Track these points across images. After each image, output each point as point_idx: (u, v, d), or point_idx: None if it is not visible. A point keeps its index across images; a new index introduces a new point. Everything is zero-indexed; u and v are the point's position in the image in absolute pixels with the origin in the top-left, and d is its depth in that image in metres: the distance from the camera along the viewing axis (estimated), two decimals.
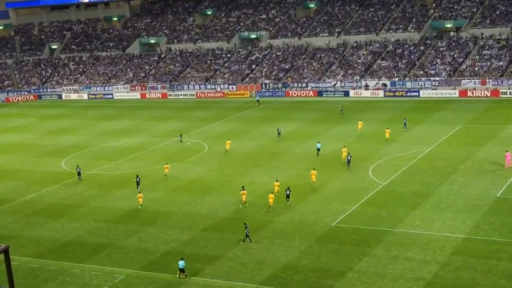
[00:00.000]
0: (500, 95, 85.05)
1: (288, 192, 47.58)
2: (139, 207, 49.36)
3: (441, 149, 60.30)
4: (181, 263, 36.35)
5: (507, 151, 53.01)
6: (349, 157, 55.72)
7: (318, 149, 60.69)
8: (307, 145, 65.46)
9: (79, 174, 58.56)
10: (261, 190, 51.56)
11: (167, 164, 58.30)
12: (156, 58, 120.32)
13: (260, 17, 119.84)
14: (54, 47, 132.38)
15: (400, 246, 38.29)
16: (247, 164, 59.84)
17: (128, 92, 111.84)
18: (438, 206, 44.74)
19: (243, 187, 48.46)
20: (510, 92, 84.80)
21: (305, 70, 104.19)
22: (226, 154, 63.04)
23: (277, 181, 50.20)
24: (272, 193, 47.44)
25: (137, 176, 54.46)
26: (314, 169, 52.18)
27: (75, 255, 41.06)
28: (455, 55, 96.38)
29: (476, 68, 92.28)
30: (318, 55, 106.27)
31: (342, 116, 78.80)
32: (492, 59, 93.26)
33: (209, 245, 40.95)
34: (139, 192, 51.09)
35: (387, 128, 65.61)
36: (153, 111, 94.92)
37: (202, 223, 44.90)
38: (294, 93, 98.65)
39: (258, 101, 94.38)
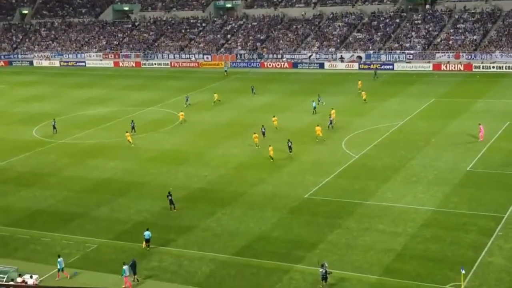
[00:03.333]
0: (473, 69, 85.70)
1: (289, 144, 51.67)
2: (132, 145, 55.60)
3: (414, 122, 60.81)
4: (147, 234, 36.41)
5: (480, 124, 53.66)
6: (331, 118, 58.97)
7: (314, 108, 64.31)
8: (283, 117, 65.43)
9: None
10: (235, 161, 51.61)
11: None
12: (130, 25, 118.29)
13: None
14: (25, 12, 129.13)
15: (371, 218, 38.77)
16: (221, 136, 59.70)
17: (101, 60, 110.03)
18: (410, 179, 45.27)
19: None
20: (483, 66, 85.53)
21: (281, 41, 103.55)
22: (181, 125, 63.41)
23: (270, 146, 51.03)
24: (270, 145, 50.82)
25: (132, 121, 61.00)
26: (318, 125, 55.94)
27: (46, 224, 40.76)
28: (430, 28, 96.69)
29: (451, 42, 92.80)
30: (294, 26, 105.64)
31: (318, 89, 78.72)
32: (466, 32, 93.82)
33: (182, 216, 41.02)
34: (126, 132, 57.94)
35: (362, 89, 69.48)
36: (126, 80, 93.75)
37: (174, 194, 44.71)
38: (269, 65, 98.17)
39: (226, 71, 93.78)
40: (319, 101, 68.11)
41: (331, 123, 58.96)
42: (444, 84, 78.53)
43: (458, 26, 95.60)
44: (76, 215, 42.22)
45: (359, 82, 75.26)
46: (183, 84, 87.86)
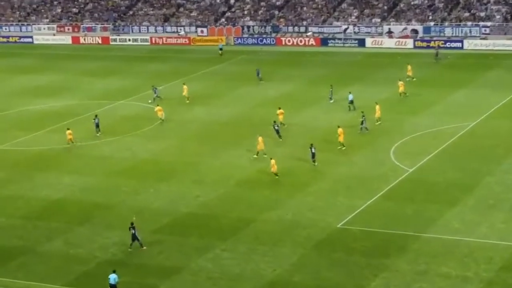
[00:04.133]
0: None
1: (313, 151, 51.81)
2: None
3: (491, 123, 60.56)
4: (113, 278, 36.48)
5: None
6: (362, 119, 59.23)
7: (351, 101, 64.65)
8: (305, 114, 65.30)
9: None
10: (240, 176, 51.52)
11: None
12: None
13: None
14: None
15: (431, 258, 38.54)
16: (219, 140, 59.65)
17: (54, 34, 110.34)
18: (485, 203, 45.00)
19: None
20: None
21: (305, 8, 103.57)
22: (162, 125, 63.98)
23: (271, 159, 50.85)
24: (271, 158, 50.73)
25: (96, 117, 61.96)
26: (339, 126, 55.80)
27: None
28: None
29: None
30: None
31: (355, 76, 78.53)
32: None
33: (165, 253, 40.96)
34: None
35: (400, 80, 68.82)
36: (89, 63, 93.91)
37: (154, 222, 44.64)
38: (288, 41, 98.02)
39: (221, 49, 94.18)
40: (330, 97, 68.20)
41: (363, 124, 58.88)
42: None
43: None
44: (18, 250, 42.11)
45: (408, 67, 75.25)
46: (168, 68, 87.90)
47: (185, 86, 71.98)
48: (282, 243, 41.29)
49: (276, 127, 58.42)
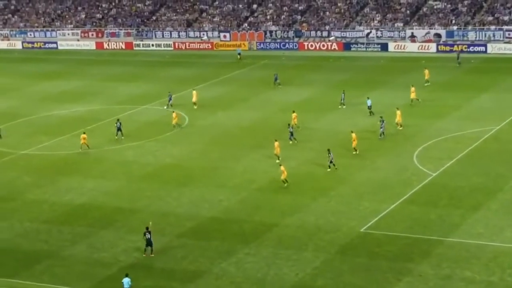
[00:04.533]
0: None
1: (331, 157, 52.07)
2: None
3: None
4: (126, 281, 36.58)
5: None
6: (382, 124, 58.80)
7: (369, 107, 64.65)
8: (327, 119, 65.24)
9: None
10: (262, 180, 51.57)
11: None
12: None
13: None
14: None
15: (454, 262, 38.35)
16: (242, 144, 59.75)
17: (78, 40, 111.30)
18: (509, 207, 44.74)
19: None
20: None
21: (327, 12, 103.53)
22: (183, 130, 64.12)
23: (280, 165, 50.87)
24: (281, 165, 50.74)
25: (118, 121, 62.74)
26: (352, 131, 55.83)
27: (1, 268, 41.06)
28: None
29: None
30: None
31: (378, 80, 78.38)
32: None
33: (189, 257, 41.01)
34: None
35: (412, 86, 68.49)
36: (113, 68, 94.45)
37: (178, 226, 44.76)
38: (311, 46, 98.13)
39: (239, 54, 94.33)
40: (342, 101, 67.90)
41: (382, 130, 58.58)
42: None
43: None
44: (43, 254, 42.34)
45: (426, 71, 75.13)
46: (191, 73, 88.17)
47: (194, 92, 72.24)
48: (305, 247, 41.26)
49: (291, 130, 58.74)
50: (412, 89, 68.59)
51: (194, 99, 71.64)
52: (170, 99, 72.29)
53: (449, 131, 59.94)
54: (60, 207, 49.42)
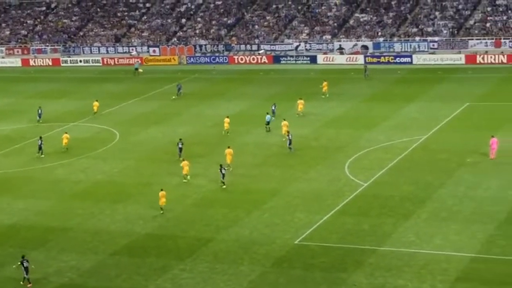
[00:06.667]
0: None
1: (290, 137, 57.22)
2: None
3: (442, 136, 61.41)
4: None
5: (492, 136, 54.48)
6: (289, 137, 58.57)
7: (268, 123, 64.17)
8: (259, 132, 65.54)
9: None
10: (196, 195, 51.59)
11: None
12: (43, 8, 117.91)
13: None
14: None
15: (387, 271, 38.84)
16: (175, 160, 59.59)
17: (3, 57, 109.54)
18: (439, 215, 45.53)
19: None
20: None
21: (256, 26, 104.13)
22: (116, 146, 64.09)
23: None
24: (162, 189, 48.91)
25: (40, 138, 62.29)
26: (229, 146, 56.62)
27: None
28: (460, 6, 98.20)
29: (488, 25, 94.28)
30: (274, 6, 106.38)
31: (309, 93, 79.21)
32: (510, 11, 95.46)
33: (123, 275, 40.64)
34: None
35: (300, 99, 69.67)
36: (39, 85, 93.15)
37: (112, 244, 44.35)
38: (241, 59, 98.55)
39: (136, 69, 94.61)
40: (273, 112, 68.10)
41: (290, 143, 58.66)
42: (481, 82, 79.69)
43: (497, 2, 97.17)
44: None
45: (324, 83, 76.80)
46: (121, 89, 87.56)
47: (96, 103, 75.01)
48: (241, 261, 41.28)
49: (180, 145, 58.87)
50: (299, 101, 69.66)
51: (95, 108, 73.98)
52: (180, 88, 72.17)
53: (378, 141, 60.87)
54: None
